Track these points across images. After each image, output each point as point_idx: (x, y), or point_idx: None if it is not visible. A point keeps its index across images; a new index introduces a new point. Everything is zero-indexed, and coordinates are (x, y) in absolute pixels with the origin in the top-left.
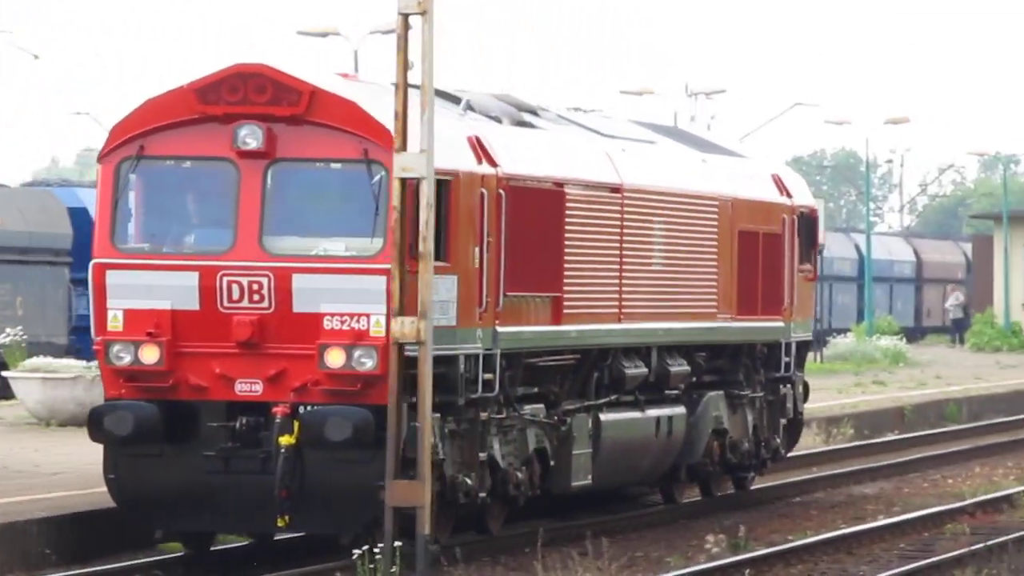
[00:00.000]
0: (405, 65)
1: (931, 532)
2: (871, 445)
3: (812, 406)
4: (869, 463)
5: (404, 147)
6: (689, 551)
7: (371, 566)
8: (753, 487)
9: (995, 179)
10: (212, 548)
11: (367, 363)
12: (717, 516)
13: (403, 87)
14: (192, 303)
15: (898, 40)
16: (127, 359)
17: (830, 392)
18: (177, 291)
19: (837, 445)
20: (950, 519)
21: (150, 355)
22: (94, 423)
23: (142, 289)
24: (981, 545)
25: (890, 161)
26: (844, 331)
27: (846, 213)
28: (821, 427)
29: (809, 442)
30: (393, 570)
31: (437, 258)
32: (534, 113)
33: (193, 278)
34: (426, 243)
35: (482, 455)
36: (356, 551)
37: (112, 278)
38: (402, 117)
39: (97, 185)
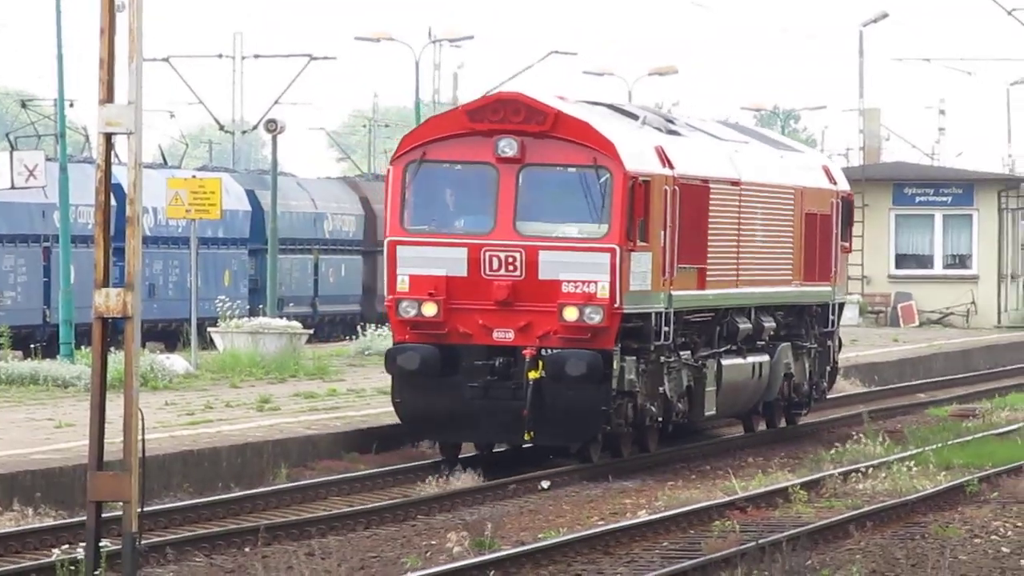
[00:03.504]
0: (111, 7)
1: (697, 529)
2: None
3: None
4: (630, 452)
5: (110, 98)
6: (428, 551)
7: (72, 568)
8: (500, 479)
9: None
10: (459, 456)
11: (595, 318)
12: (460, 511)
13: (108, 31)
14: (462, 271)
15: None
16: (412, 312)
17: None
18: (450, 262)
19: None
20: (719, 515)
21: (430, 310)
22: (389, 360)
23: (424, 260)
24: (752, 544)
25: None
26: None
27: None
28: None
29: None
30: (97, 572)
31: (641, 239)
32: (672, 122)
33: (463, 252)
34: (134, 206)
35: (660, 389)
36: (56, 551)
37: (401, 251)
38: (107, 65)
39: (387, 182)
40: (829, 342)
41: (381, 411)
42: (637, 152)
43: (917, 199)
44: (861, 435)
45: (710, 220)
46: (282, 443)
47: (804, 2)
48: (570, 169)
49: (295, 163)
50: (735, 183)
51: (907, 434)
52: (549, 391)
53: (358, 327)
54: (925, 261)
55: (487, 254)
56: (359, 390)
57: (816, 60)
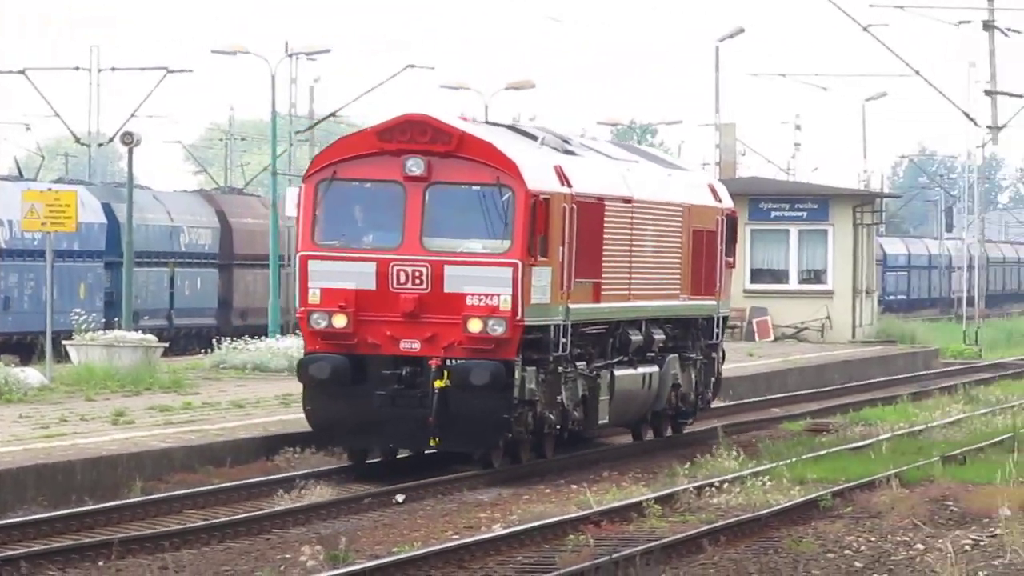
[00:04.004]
0: None
1: (552, 544)
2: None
3: None
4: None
5: None
6: (283, 565)
7: None
8: (356, 493)
9: None
10: (367, 461)
11: (498, 329)
12: (315, 525)
13: None
14: (370, 284)
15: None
16: (323, 324)
17: None
18: (360, 275)
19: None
20: (573, 529)
21: (340, 321)
22: (301, 369)
23: (334, 274)
24: (606, 558)
25: None
26: None
27: None
28: None
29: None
30: None
31: (541, 255)
32: (568, 142)
33: (371, 267)
34: None
35: (558, 398)
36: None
37: (313, 265)
38: None
39: (299, 199)
40: (714, 354)
41: (236, 424)
42: (538, 171)
43: (772, 214)
44: (716, 449)
45: (605, 236)
46: (137, 456)
47: (661, 17)
48: (474, 187)
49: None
50: (628, 200)
51: (761, 449)
52: (454, 399)
53: (214, 340)
54: (780, 276)
55: (395, 268)
56: (214, 403)
57: (673, 75)
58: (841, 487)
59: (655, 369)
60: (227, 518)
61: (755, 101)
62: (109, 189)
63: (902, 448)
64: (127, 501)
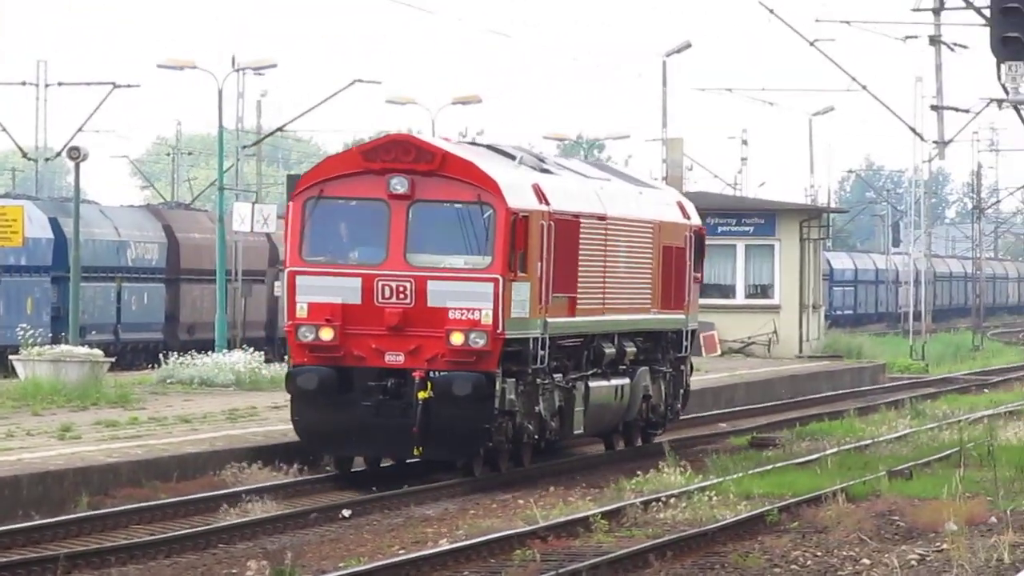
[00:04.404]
0: None
1: (498, 558)
2: (433, 464)
3: None
4: (430, 483)
5: None
6: None
7: None
8: (303, 508)
9: None
10: (352, 470)
11: (480, 342)
12: (261, 540)
13: None
14: (356, 299)
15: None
16: (311, 337)
17: None
18: (346, 290)
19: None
20: (520, 544)
21: (327, 334)
22: (289, 380)
23: (321, 289)
24: (552, 573)
25: None
26: None
27: None
28: None
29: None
30: None
31: (521, 270)
32: (543, 161)
33: (357, 282)
34: None
35: (536, 408)
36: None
37: (300, 280)
38: None
39: (287, 216)
40: (683, 366)
41: (183, 439)
42: (517, 190)
43: (719, 229)
44: (663, 464)
45: (580, 252)
46: (83, 471)
47: (608, 32)
48: (457, 205)
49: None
50: (602, 218)
51: (708, 463)
52: (437, 410)
53: (160, 355)
54: (727, 291)
55: (380, 283)
56: (161, 418)
57: (620, 89)
58: (788, 502)
59: (627, 381)
60: (173, 533)
61: (702, 116)
62: (56, 204)
63: (848, 463)
64: (73, 516)
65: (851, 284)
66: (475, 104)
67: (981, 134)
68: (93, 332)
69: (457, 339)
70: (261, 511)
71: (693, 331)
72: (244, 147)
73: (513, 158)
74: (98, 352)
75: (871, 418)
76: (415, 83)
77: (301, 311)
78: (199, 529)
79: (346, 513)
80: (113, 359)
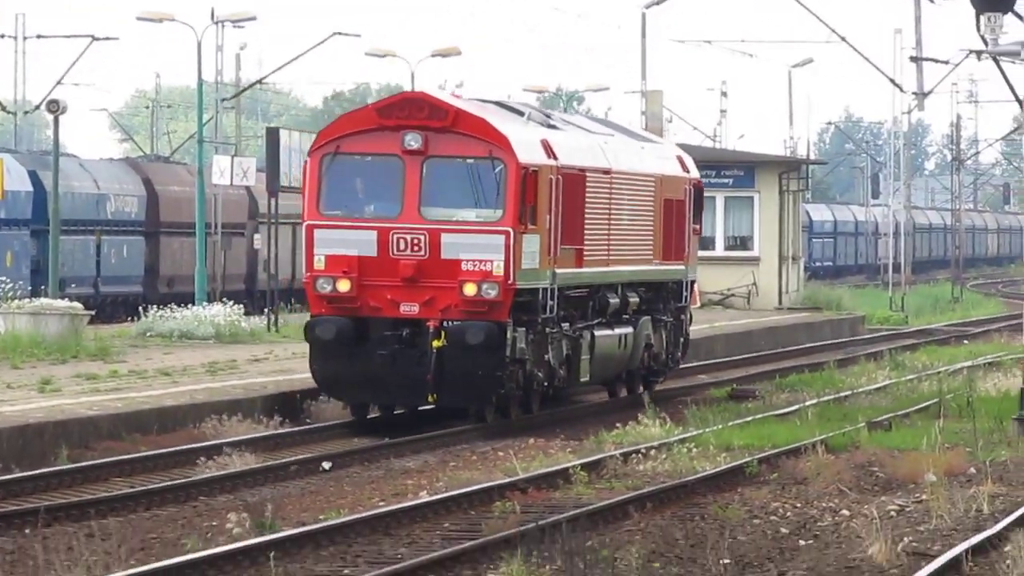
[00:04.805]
0: None
1: (479, 510)
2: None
3: None
4: (411, 434)
5: None
6: (209, 532)
7: None
8: (283, 460)
9: None
10: (368, 417)
11: (492, 292)
12: (241, 492)
13: None
14: (372, 251)
15: None
16: (328, 288)
17: None
18: (362, 243)
19: (377, 413)
20: (500, 496)
21: (344, 286)
22: (308, 330)
23: (338, 242)
24: (532, 525)
25: None
26: None
27: None
28: None
29: (346, 410)
30: None
31: (531, 223)
32: (550, 117)
33: (373, 235)
34: None
35: (545, 356)
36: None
37: (318, 234)
38: None
39: (305, 172)
40: (682, 316)
41: (163, 392)
42: (527, 145)
43: None
44: (642, 416)
45: (587, 205)
46: (63, 424)
47: None
48: (469, 160)
49: (78, 144)
50: (607, 172)
51: (688, 415)
52: (450, 358)
53: (140, 308)
54: (707, 243)
55: (395, 236)
56: (141, 371)
57: (599, 41)
58: (767, 453)
59: (630, 330)
60: (153, 486)
61: (681, 68)
62: (35, 157)
63: (828, 415)
64: (53, 469)
65: (830, 236)
66: (455, 56)
67: (960, 85)
68: (73, 285)
69: (470, 290)
70: (241, 464)
71: (692, 282)
72: (223, 100)
73: (521, 114)
74: (78, 305)
75: (851, 370)
76: (395, 36)
77: (319, 263)
78: (179, 482)
79: (326, 465)
80: (93, 312)
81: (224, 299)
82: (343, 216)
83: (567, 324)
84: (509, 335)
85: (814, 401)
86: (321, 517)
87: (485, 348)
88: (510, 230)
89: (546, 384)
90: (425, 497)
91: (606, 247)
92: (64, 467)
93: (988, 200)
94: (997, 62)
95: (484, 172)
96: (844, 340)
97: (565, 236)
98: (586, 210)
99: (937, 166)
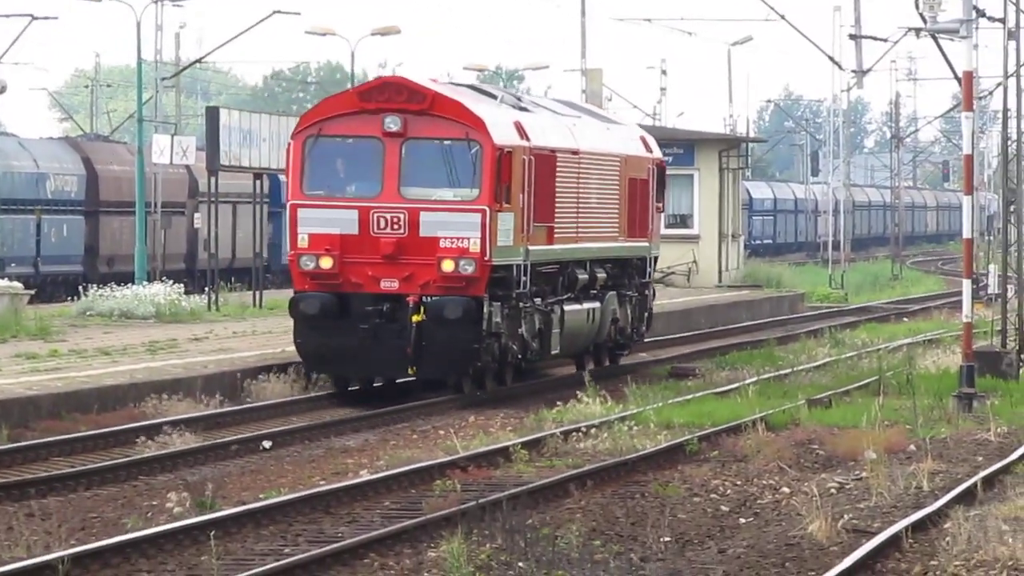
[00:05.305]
0: None
1: (419, 489)
2: (354, 393)
3: (289, 351)
4: (352, 412)
5: None
6: (149, 511)
7: None
8: (223, 440)
9: None
10: (349, 389)
11: (468, 269)
12: (181, 472)
13: None
14: (353, 229)
15: None
16: (312, 265)
17: None
18: (344, 222)
19: (317, 392)
20: (440, 474)
21: (326, 263)
22: (293, 305)
23: (321, 220)
24: (473, 503)
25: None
26: None
27: None
28: (299, 372)
29: (285, 389)
30: None
31: (506, 202)
32: (520, 100)
33: (354, 214)
34: None
35: (519, 330)
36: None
37: (302, 213)
38: None
39: (288, 154)
40: (646, 291)
41: (103, 371)
42: (501, 127)
43: None
44: (582, 394)
45: (557, 185)
46: (3, 404)
47: None
48: (446, 142)
49: (17, 123)
50: (575, 152)
51: (628, 393)
52: (429, 332)
53: (80, 288)
54: None
55: (375, 215)
56: (81, 351)
57: (539, 20)
58: (707, 431)
59: (597, 305)
60: (93, 465)
61: (621, 46)
62: None
63: (768, 392)
64: None
65: (770, 214)
66: (394, 35)
67: (899, 63)
68: (12, 265)
69: (448, 266)
70: (181, 443)
71: (656, 258)
72: (163, 79)
73: (495, 97)
74: (17, 285)
75: (791, 347)
76: (334, 14)
77: (302, 241)
78: (119, 461)
79: (266, 444)
80: (33, 292)
81: (164, 278)
82: (325, 196)
83: (539, 299)
84: (485, 309)
85: (754, 379)
86: (261, 496)
87: (463, 322)
88: (486, 208)
89: (519, 357)
90: (365, 476)
91: (575, 225)
92: (3, 447)
93: (927, 178)
94: (936, 40)
95: (461, 153)
96: (784, 318)
97: (537, 214)
98: (556, 189)
99: (876, 144)
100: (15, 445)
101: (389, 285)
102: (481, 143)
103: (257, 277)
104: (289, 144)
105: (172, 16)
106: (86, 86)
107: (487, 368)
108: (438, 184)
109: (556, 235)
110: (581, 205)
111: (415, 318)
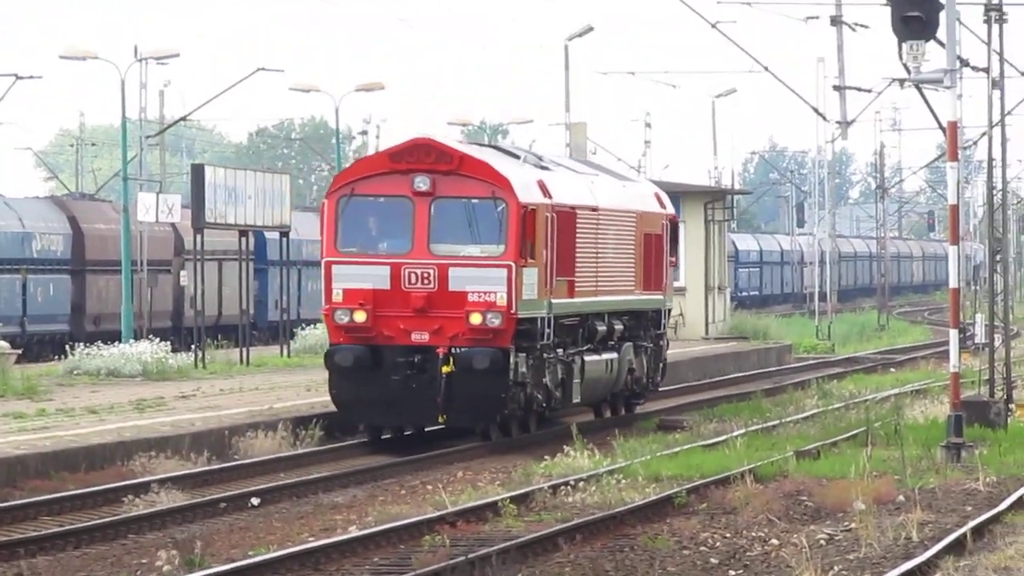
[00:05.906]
0: None
1: (408, 544)
2: (343, 448)
3: (282, 405)
4: (341, 468)
5: None
6: (139, 570)
7: None
8: (212, 497)
9: None
10: (382, 437)
11: (496, 321)
12: (170, 529)
13: None
14: (385, 284)
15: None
16: (346, 319)
17: (297, 390)
18: (376, 277)
19: (305, 449)
20: (429, 530)
21: (360, 316)
22: (328, 358)
23: (355, 276)
24: (462, 558)
25: (364, 132)
26: (315, 322)
27: (317, 191)
28: (288, 428)
29: (273, 446)
30: None
31: (530, 257)
32: (541, 159)
33: (386, 270)
34: None
35: (543, 380)
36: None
37: (336, 269)
38: None
39: (322, 212)
40: (661, 342)
41: (90, 430)
42: (525, 185)
43: None
44: (570, 448)
45: (577, 240)
46: None
47: (510, 16)
48: (474, 200)
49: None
50: (594, 209)
51: (616, 446)
52: (459, 382)
53: (67, 346)
54: None
55: (406, 271)
56: (68, 409)
57: (523, 74)
58: (696, 484)
59: (615, 355)
60: (82, 524)
61: (605, 99)
62: None
63: (756, 444)
64: None
65: (756, 265)
66: (378, 91)
67: (883, 114)
68: None
69: (476, 319)
70: (170, 501)
71: (669, 310)
72: (147, 137)
73: (517, 157)
74: (4, 344)
75: (778, 399)
76: (318, 71)
77: (337, 296)
78: (108, 520)
79: (255, 501)
80: (19, 351)
81: (151, 336)
82: (359, 252)
83: (561, 350)
84: (512, 360)
85: (742, 431)
86: (251, 553)
87: (490, 372)
88: (512, 264)
89: (544, 405)
90: (354, 532)
91: (595, 278)
92: None
93: (913, 228)
94: (920, 90)
95: (487, 211)
96: (771, 369)
97: (559, 269)
98: (577, 244)
99: (862, 194)
100: (3, 505)
101: (420, 337)
102: (507, 201)
103: (244, 334)
104: (323, 203)
105: (156, 74)
106: (71, 145)
107: (513, 416)
108: (466, 241)
109: (577, 288)
110: (600, 259)
111: (445, 369)
